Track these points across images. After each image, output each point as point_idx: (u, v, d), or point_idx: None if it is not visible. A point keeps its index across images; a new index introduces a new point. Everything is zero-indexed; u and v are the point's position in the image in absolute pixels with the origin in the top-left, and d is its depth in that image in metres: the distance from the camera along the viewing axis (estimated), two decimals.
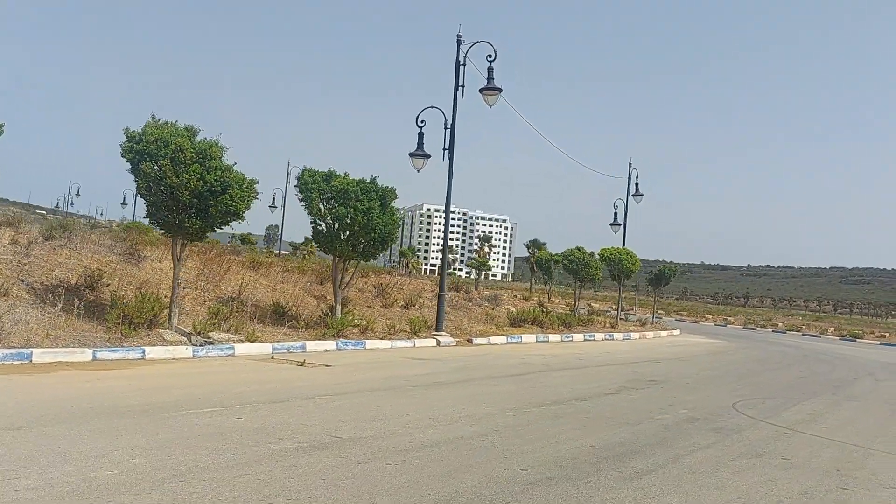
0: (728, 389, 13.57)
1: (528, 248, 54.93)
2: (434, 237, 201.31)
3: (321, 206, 16.53)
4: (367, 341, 16.50)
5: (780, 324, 52.12)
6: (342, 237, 16.56)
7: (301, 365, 12.47)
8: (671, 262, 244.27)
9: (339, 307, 17.00)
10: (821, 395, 14.09)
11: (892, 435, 9.82)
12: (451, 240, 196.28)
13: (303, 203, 16.80)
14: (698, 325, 46.65)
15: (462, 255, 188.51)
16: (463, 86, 19.53)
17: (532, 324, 24.62)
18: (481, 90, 19.34)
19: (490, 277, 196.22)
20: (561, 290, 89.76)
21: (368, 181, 16.58)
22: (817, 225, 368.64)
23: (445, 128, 19.63)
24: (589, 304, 54.00)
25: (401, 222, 16.99)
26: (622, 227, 36.36)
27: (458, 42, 19.67)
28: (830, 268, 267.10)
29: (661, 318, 47.39)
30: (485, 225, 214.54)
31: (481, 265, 49.57)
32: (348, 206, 16.12)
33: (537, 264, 38.72)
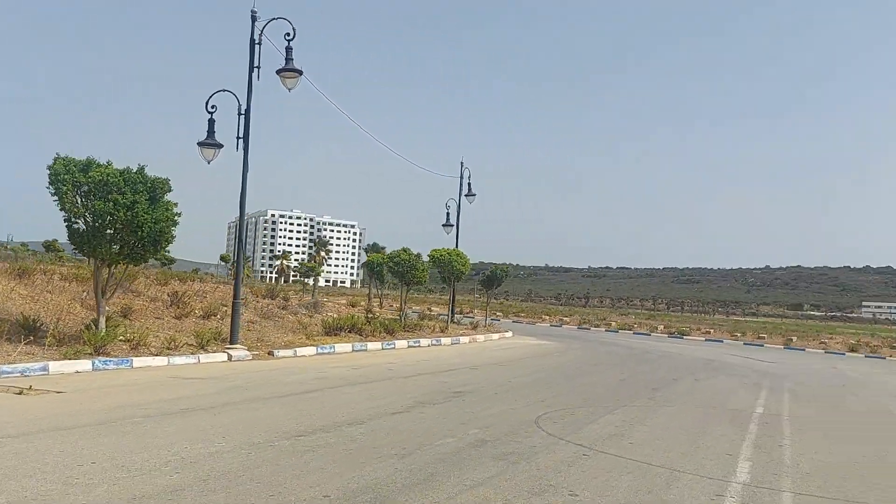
0: (538, 399, 12.23)
1: (367, 253, 53.14)
2: (279, 243, 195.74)
3: (77, 200, 13.91)
4: (138, 359, 14.03)
5: (614, 323, 53.01)
6: (105, 237, 14.01)
7: (21, 393, 9.97)
8: (516, 264, 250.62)
9: (102, 319, 14.40)
10: (637, 400, 13.06)
11: (703, 449, 8.64)
12: (297, 246, 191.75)
13: (55, 197, 14.09)
14: (534, 327, 46.40)
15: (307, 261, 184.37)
16: (259, 67, 17.40)
17: (350, 331, 22.72)
18: (278, 71, 17.27)
19: (339, 284, 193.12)
20: (412, 296, 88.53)
21: (135, 171, 14.12)
22: (652, 227, 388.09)
23: (240, 114, 17.41)
24: (428, 308, 52.84)
25: (177, 219, 14.58)
26: (455, 227, 35.36)
27: (253, 19, 17.49)
28: (664, 268, 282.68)
29: (498, 320, 46.85)
30: (332, 230, 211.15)
31: (309, 270, 47.17)
32: (109, 201, 13.61)
33: (368, 268, 36.96)
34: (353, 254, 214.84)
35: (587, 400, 12.61)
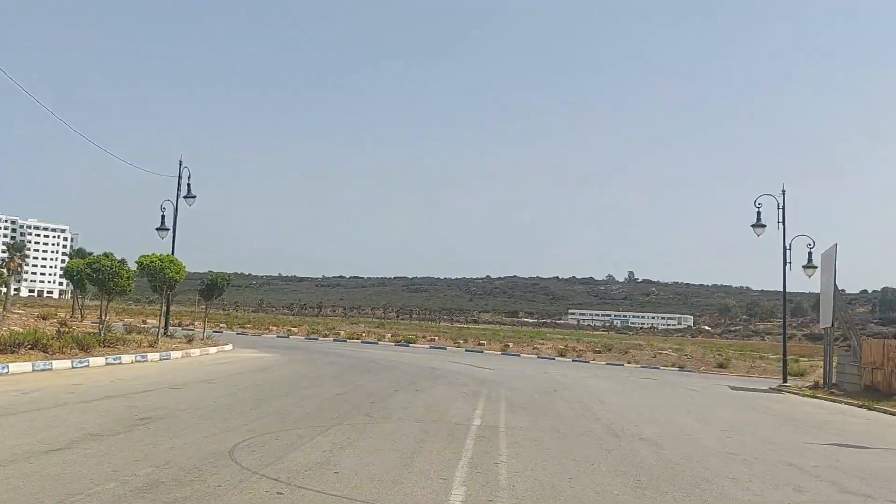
0: (241, 422, 10.81)
1: (71, 259, 47.70)
2: None
3: None
4: None
5: (343, 332, 52.43)
6: None
7: None
8: (249, 273, 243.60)
9: None
10: (353, 417, 12.13)
11: (417, 474, 7.80)
12: None
13: None
14: (260, 338, 44.38)
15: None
16: None
17: (33, 348, 19.53)
18: None
19: (46, 294, 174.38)
20: (129, 307, 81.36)
21: None
22: (384, 236, 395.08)
23: None
24: (143, 321, 48.65)
25: None
26: (172, 232, 32.55)
27: None
28: (395, 277, 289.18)
29: (220, 332, 44.17)
30: (39, 235, 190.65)
31: None
32: None
33: (66, 275, 32.85)
34: (63, 261, 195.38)
35: (298, 420, 11.43)
